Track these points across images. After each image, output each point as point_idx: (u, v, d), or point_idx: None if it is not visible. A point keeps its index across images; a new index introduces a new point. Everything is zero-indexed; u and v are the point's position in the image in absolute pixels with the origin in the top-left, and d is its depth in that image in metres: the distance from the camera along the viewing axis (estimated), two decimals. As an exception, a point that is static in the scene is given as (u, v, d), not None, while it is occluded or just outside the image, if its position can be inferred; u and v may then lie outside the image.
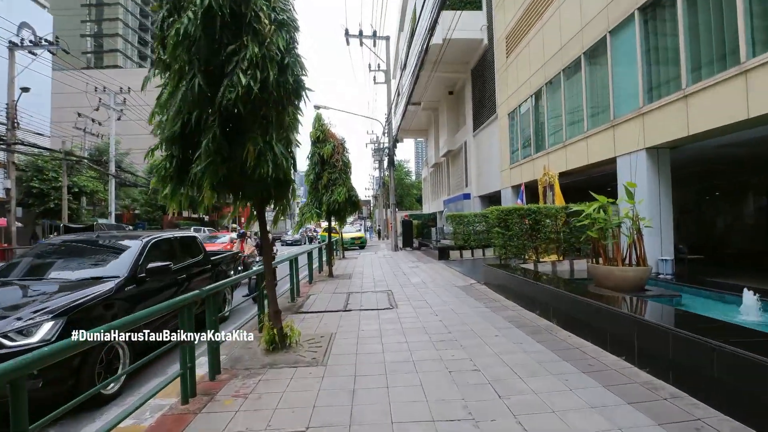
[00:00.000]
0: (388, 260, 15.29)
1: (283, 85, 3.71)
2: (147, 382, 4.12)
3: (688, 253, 8.87)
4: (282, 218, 4.62)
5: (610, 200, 6.12)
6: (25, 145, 17.34)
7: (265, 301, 4.83)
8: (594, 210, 6.12)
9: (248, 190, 4.07)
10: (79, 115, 25.49)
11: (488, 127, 17.87)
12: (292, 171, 4.35)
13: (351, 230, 26.73)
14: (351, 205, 10.33)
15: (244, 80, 3.35)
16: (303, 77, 4.00)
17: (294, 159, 4.35)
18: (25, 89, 15.95)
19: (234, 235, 16.46)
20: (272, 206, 4.61)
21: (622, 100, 8.46)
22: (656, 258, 7.75)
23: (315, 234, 30.84)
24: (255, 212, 4.55)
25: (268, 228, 4.78)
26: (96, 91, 24.12)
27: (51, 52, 17.98)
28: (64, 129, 28.94)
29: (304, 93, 4.07)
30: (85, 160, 23.03)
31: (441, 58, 17.50)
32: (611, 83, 8.78)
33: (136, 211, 44.01)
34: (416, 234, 22.19)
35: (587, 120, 9.76)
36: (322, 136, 10.11)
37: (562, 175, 10.80)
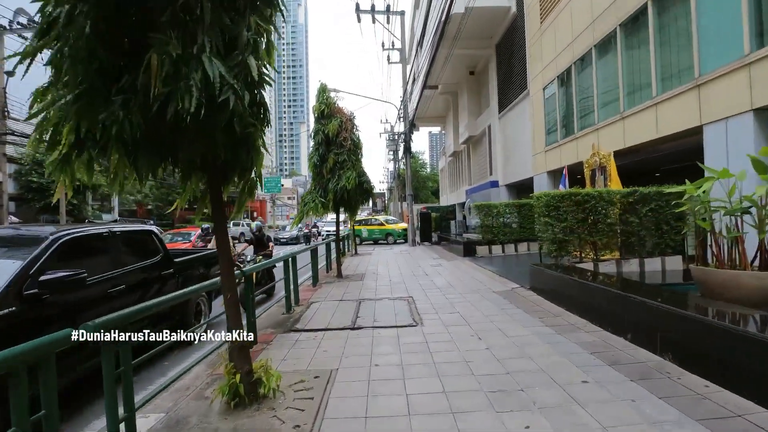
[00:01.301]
0: (406, 257, 13.61)
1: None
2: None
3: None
4: (249, 200, 2.97)
5: (726, 173, 4.25)
6: (17, 135, 16.23)
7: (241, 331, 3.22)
8: (702, 190, 4.29)
9: (183, 152, 2.44)
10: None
11: (517, 107, 15.90)
12: (262, 126, 2.71)
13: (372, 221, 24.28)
14: (362, 192, 8.67)
15: None
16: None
17: (264, 104, 2.69)
18: (9, 73, 14.79)
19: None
20: (237, 184, 2.96)
21: (714, 50, 6.51)
22: None
23: (315, 231, 25.63)
24: (210, 195, 2.91)
25: (230, 217, 3.15)
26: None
27: (41, 35, 16.79)
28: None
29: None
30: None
31: (462, 32, 15.58)
32: (695, 30, 6.82)
33: (149, 206, 43.53)
34: (434, 227, 20.42)
35: (657, 83, 7.81)
36: (327, 111, 8.44)
37: (617, 154, 8.88)
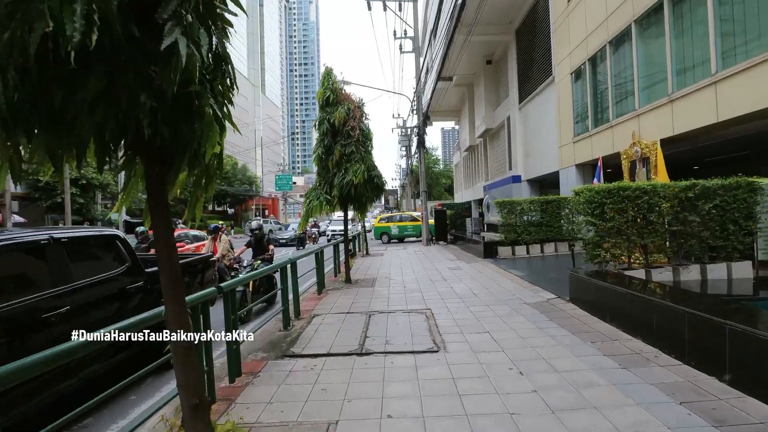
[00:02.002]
0: (420, 258, 12.67)
1: None
2: None
3: None
4: (203, 196, 2.08)
5: None
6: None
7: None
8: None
9: (79, 121, 1.56)
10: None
11: (539, 96, 14.75)
12: (219, 85, 1.83)
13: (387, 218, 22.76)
14: (373, 188, 7.76)
15: None
16: None
17: (223, 56, 1.81)
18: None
19: (200, 232, 13.21)
20: (190, 173, 2.07)
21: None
22: None
23: (315, 232, 22.75)
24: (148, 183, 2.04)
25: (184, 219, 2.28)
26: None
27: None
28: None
29: None
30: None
31: (479, 17, 14.49)
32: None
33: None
34: (449, 226, 19.39)
35: (717, 58, 6.66)
36: (333, 98, 7.55)
37: (664, 143, 7.76)
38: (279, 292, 5.74)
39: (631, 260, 5.94)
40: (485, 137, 22.33)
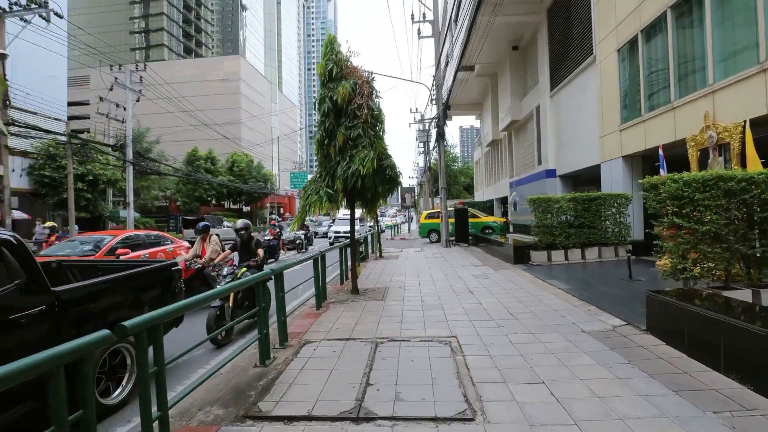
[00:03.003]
0: (440, 261, 11.25)
1: None
2: None
3: None
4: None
5: None
6: (20, 125, 15.18)
7: None
8: None
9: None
10: (101, 99, 23.61)
11: (576, 81, 13.09)
12: None
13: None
14: (384, 181, 6.41)
15: None
16: None
17: None
18: (1, 56, 13.62)
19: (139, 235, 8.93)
20: None
21: None
22: None
23: (301, 236, 17.14)
24: None
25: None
26: (111, 69, 22.01)
27: (43, 17, 15.61)
28: (100, 121, 27.62)
29: None
30: (96, 144, 20.98)
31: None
32: None
33: (177, 203, 43.26)
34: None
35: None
36: (336, 71, 6.24)
37: (754, 124, 6.12)
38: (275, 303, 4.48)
39: (729, 276, 4.40)
40: (510, 130, 20.67)
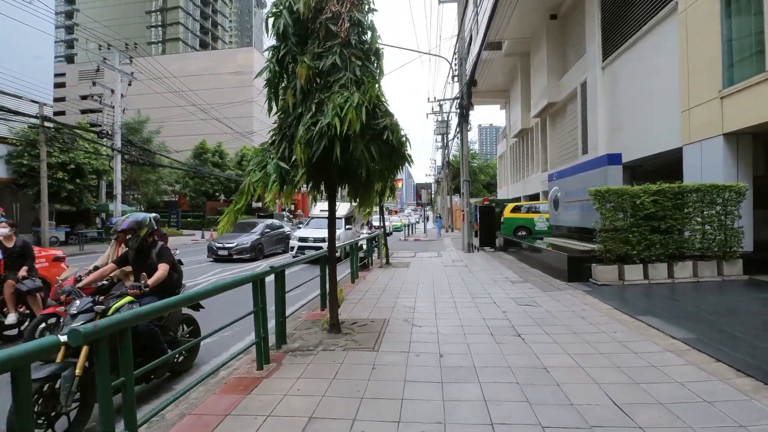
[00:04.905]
0: (462, 273, 8.63)
1: None
2: None
3: None
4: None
5: None
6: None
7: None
8: None
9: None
10: (94, 83, 21.76)
11: (642, 42, 10.24)
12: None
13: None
14: (384, 153, 3.83)
15: None
16: None
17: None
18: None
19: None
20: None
21: None
22: None
23: (246, 246, 12.69)
24: None
25: None
26: (100, 49, 20.16)
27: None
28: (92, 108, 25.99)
29: None
30: (78, 131, 19.11)
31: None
32: None
33: (187, 197, 41.67)
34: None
35: None
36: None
37: None
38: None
39: None
40: (545, 116, 17.77)
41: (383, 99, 3.84)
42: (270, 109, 3.75)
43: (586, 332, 4.24)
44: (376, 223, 17.06)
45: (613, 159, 8.30)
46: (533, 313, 5.11)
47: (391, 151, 3.96)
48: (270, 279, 3.74)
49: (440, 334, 4.33)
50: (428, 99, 30.26)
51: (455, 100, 15.75)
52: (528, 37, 18.03)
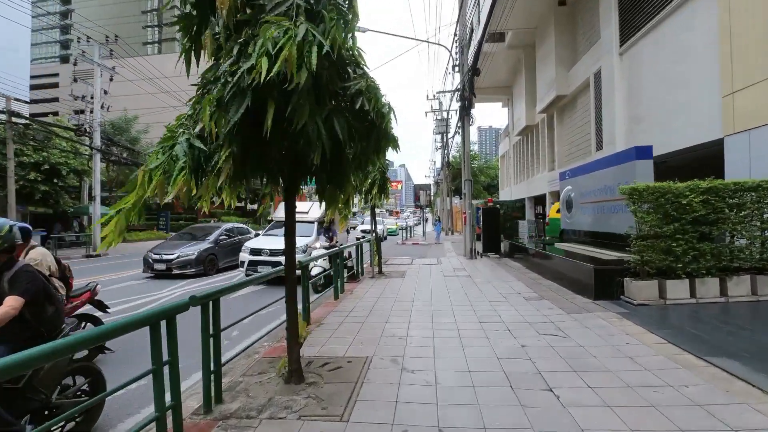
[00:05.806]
0: (466, 287, 7.39)
1: None
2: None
3: None
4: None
5: None
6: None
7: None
8: None
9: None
10: (75, 80, 20.56)
11: (670, 19, 9.05)
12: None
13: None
14: (362, 131, 2.61)
15: None
16: None
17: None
18: None
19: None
20: None
21: None
22: None
23: (190, 257, 10.06)
24: None
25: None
26: (78, 42, 18.98)
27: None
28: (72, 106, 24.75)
29: None
30: (52, 127, 17.89)
31: None
32: None
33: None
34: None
35: None
36: None
37: None
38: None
39: None
40: (552, 111, 16.57)
41: (357, 51, 2.63)
42: (188, 64, 2.52)
43: (643, 384, 3.01)
44: (366, 227, 15.68)
45: (643, 152, 7.09)
46: (561, 348, 3.88)
47: (368, 128, 2.74)
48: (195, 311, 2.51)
49: (439, 386, 3.10)
50: (427, 96, 29.09)
51: (456, 92, 14.52)
52: (533, 27, 16.89)
